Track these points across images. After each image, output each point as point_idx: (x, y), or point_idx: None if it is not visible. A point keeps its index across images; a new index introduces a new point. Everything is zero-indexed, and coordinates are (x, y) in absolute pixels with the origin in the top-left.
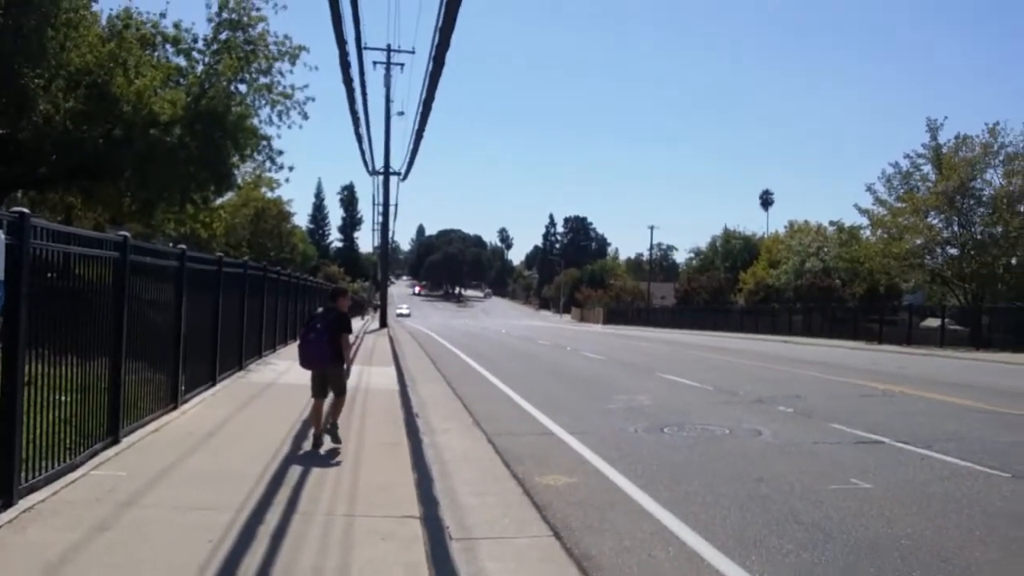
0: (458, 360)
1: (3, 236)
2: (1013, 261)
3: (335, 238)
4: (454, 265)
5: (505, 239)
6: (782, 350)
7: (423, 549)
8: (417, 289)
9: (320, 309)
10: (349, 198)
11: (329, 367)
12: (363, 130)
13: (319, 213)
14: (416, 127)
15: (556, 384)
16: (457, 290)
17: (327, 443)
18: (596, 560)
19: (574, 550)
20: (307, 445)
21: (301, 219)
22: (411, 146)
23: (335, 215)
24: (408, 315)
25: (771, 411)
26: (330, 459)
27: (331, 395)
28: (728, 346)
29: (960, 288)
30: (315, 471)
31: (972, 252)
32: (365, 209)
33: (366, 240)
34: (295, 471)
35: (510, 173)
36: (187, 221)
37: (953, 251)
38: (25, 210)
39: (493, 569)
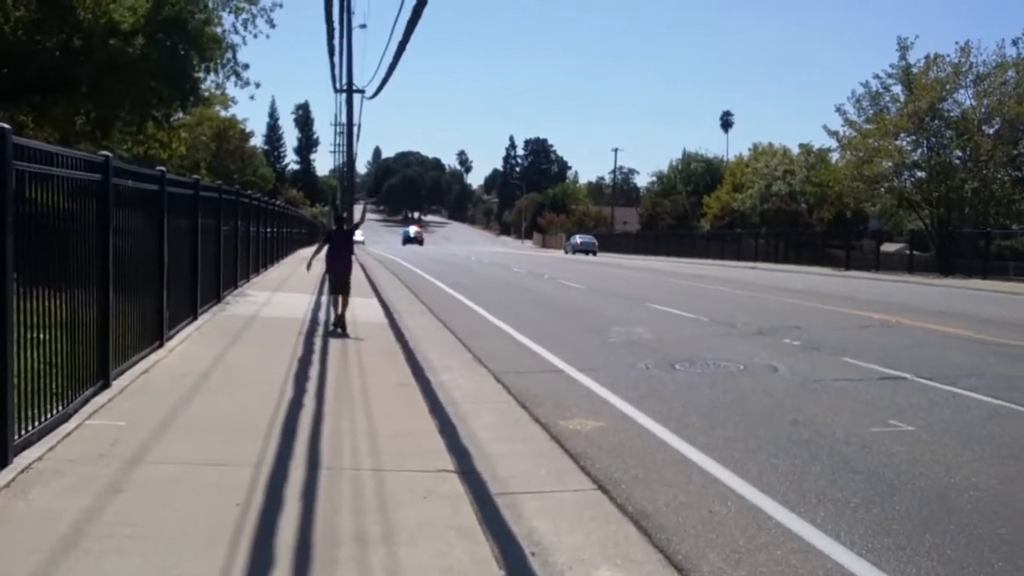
0: (437, 290)
1: None
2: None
3: (291, 160)
4: (413, 189)
5: (464, 162)
6: (756, 277)
7: (470, 510)
8: (414, 231)
9: (333, 228)
10: (304, 118)
11: (347, 272)
12: (336, 41)
13: (274, 134)
14: (401, 37)
15: (547, 316)
16: (416, 215)
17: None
18: (654, 518)
19: (627, 507)
20: (330, 327)
21: (255, 140)
22: (391, 60)
23: (290, 136)
24: (362, 242)
25: (777, 344)
26: (341, 403)
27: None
28: (703, 273)
29: (926, 212)
30: (328, 417)
31: (940, 175)
32: (320, 130)
33: (322, 162)
34: (306, 417)
35: (469, 94)
36: (145, 141)
37: (921, 174)
38: (6, 125)
39: (546, 530)
